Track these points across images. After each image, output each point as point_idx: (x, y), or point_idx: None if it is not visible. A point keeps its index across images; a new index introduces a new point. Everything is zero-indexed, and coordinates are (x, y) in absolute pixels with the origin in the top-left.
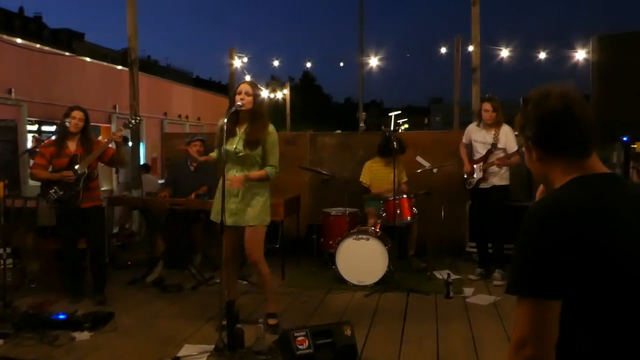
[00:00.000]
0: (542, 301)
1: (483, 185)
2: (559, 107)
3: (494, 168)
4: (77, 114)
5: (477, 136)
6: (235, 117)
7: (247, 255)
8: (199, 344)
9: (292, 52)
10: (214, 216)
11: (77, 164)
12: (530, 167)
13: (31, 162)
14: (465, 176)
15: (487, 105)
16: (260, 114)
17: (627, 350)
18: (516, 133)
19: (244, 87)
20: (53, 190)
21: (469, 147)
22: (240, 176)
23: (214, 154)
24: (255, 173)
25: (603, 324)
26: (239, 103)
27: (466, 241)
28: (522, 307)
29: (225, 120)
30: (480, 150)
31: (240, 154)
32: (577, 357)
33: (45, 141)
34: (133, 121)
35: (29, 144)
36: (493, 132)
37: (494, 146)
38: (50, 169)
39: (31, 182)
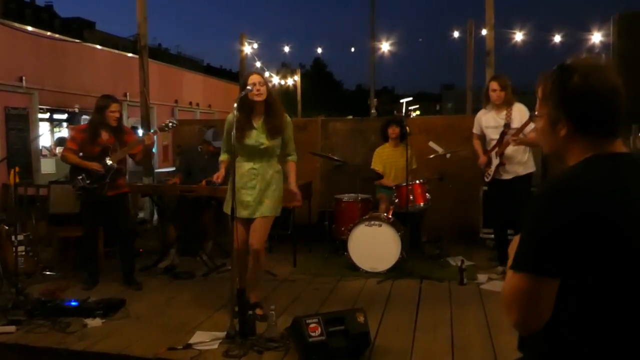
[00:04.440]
0: (540, 277)
1: (504, 176)
2: (609, 87)
3: (510, 150)
4: (115, 107)
5: (488, 121)
6: (249, 110)
7: (250, 243)
8: (211, 331)
9: (303, 40)
10: (228, 208)
11: (107, 155)
12: (544, 140)
13: (44, 150)
14: (482, 169)
15: (493, 84)
16: (273, 102)
17: (625, 333)
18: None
19: (257, 78)
20: (81, 177)
21: (483, 138)
22: (298, 193)
23: (224, 158)
24: (293, 175)
25: (601, 305)
26: (249, 88)
27: (480, 227)
28: (521, 280)
29: (236, 112)
30: (493, 136)
31: (263, 146)
32: (573, 338)
33: (79, 126)
34: (170, 124)
35: (41, 132)
36: (504, 112)
37: (507, 127)
38: (80, 154)
39: (43, 170)
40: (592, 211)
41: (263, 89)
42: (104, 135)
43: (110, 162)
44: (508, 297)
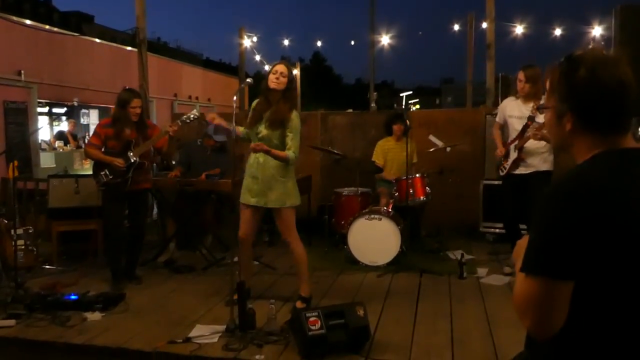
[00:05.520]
0: (553, 281)
1: (521, 170)
2: (617, 81)
3: (532, 144)
4: (136, 102)
5: (513, 110)
6: (267, 100)
7: (281, 234)
8: (211, 325)
9: (302, 33)
10: (242, 197)
11: (130, 150)
12: (551, 133)
13: (44, 144)
14: (498, 162)
15: (520, 75)
16: (289, 97)
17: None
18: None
19: (280, 68)
20: (103, 173)
21: (505, 128)
22: (263, 147)
23: (241, 129)
24: (277, 151)
25: (617, 308)
26: (274, 83)
27: (480, 221)
28: (533, 284)
29: (234, 95)
30: (517, 126)
31: (260, 135)
32: (588, 342)
33: (102, 121)
34: (192, 116)
35: (40, 126)
36: (532, 104)
37: (530, 119)
38: (103, 149)
39: (42, 164)
40: (604, 210)
41: (284, 80)
42: (127, 130)
43: (133, 156)
44: (521, 302)
